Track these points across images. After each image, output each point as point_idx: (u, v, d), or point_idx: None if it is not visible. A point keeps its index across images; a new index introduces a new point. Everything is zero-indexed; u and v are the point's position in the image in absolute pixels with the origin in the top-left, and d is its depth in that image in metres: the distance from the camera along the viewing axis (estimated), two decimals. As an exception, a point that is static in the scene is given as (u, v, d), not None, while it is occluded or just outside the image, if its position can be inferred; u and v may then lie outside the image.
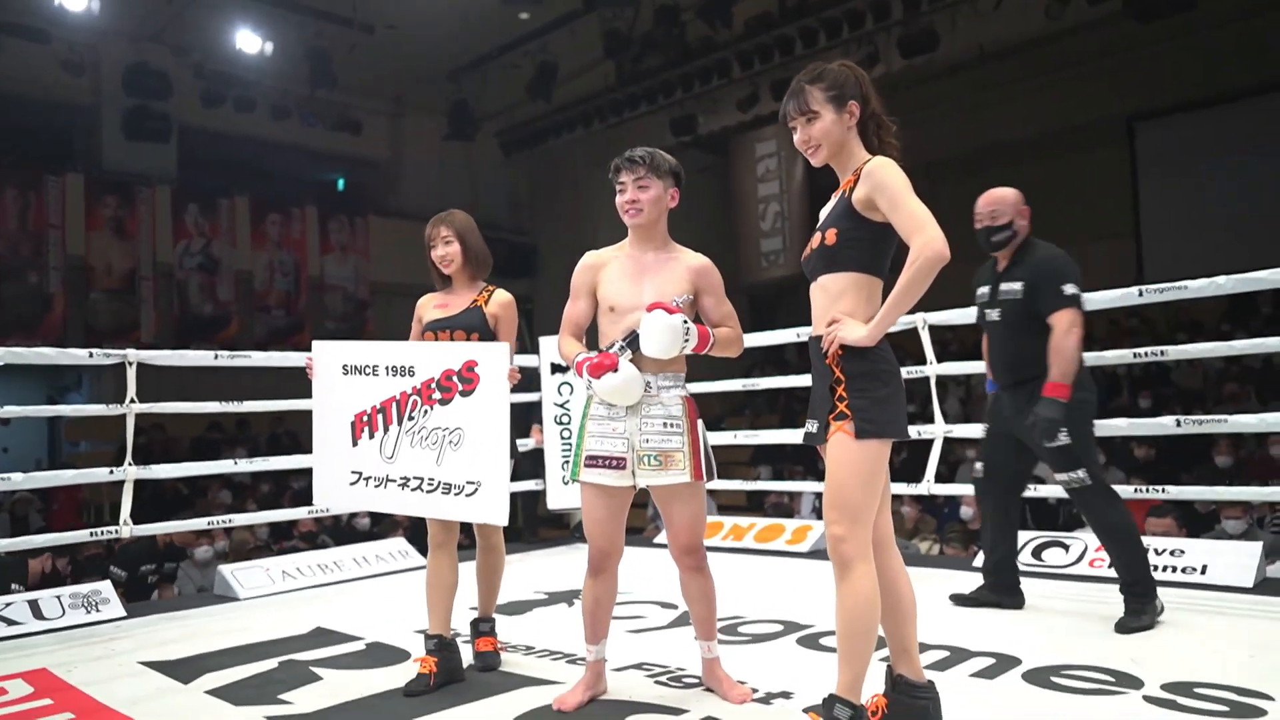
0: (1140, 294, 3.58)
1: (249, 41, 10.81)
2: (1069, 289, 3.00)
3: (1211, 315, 9.98)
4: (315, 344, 2.89)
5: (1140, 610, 2.98)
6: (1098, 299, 3.75)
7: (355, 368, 2.77)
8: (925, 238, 1.92)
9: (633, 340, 2.30)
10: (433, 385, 2.64)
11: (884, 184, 1.98)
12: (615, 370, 2.27)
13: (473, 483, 2.57)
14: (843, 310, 2.04)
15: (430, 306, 2.91)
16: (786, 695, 2.44)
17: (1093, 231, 12.11)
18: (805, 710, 2.25)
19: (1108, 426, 4.15)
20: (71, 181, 11.02)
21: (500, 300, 2.88)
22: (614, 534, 2.40)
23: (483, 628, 2.90)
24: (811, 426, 2.12)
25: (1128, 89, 11.50)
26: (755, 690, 2.47)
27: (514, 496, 3.47)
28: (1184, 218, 11.81)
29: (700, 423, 2.40)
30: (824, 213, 2.16)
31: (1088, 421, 3.09)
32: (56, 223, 10.90)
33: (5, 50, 10.11)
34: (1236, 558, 3.56)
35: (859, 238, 2.03)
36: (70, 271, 11.02)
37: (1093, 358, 4.15)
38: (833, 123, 2.06)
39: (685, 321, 2.27)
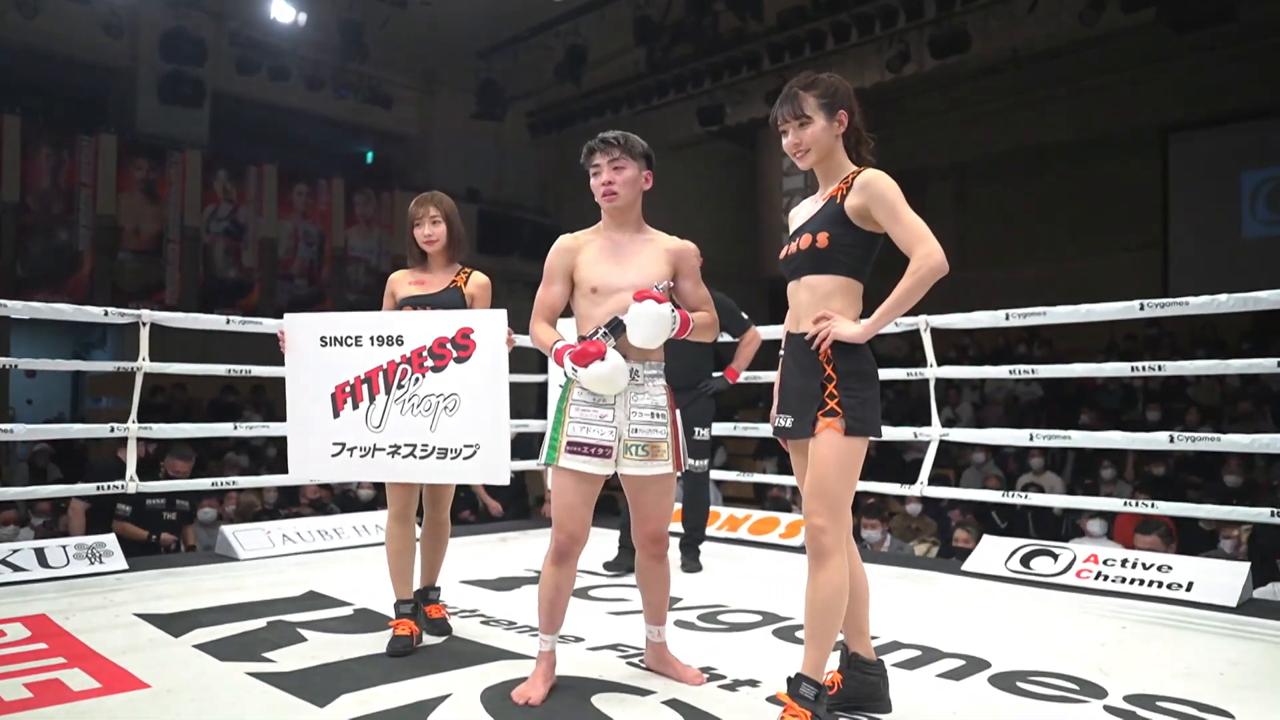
0: (1141, 308, 3.57)
1: (283, 11, 10.91)
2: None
3: (1233, 333, 9.87)
4: (287, 316, 2.85)
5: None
6: (1102, 311, 3.75)
7: (335, 339, 2.75)
8: (927, 249, 2.02)
9: (615, 326, 2.28)
10: (424, 353, 2.68)
11: (881, 196, 2.06)
12: (602, 358, 2.22)
13: (471, 445, 2.63)
14: (833, 309, 2.12)
15: (405, 283, 2.95)
16: (754, 683, 2.48)
17: (1120, 241, 12.01)
18: (769, 699, 2.31)
19: (1105, 438, 4.17)
20: (105, 142, 11.19)
21: (478, 281, 2.97)
22: (584, 520, 2.38)
23: (432, 596, 3.00)
24: (785, 421, 2.19)
25: (1163, 99, 11.36)
26: (724, 676, 2.52)
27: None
28: (1214, 232, 11.68)
29: (677, 411, 2.44)
30: (802, 215, 2.24)
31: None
32: (88, 182, 11.09)
33: (46, 9, 10.26)
34: (1223, 577, 3.55)
35: (850, 244, 2.12)
36: (100, 231, 11.21)
37: (1092, 369, 4.17)
38: (823, 129, 2.14)
39: (672, 310, 2.28)
